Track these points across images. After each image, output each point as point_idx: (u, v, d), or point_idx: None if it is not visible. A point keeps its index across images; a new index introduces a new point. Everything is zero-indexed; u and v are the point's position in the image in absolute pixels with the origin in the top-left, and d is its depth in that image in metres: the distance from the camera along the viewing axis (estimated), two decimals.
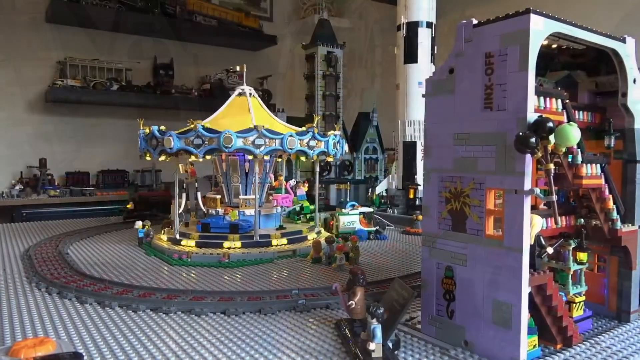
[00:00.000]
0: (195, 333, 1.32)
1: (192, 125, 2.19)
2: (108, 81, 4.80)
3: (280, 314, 1.47)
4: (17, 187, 4.43)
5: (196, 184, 2.52)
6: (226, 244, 2.28)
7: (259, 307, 1.50)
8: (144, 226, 2.57)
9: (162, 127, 2.31)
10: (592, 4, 3.85)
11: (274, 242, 2.36)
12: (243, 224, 2.37)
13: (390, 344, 1.17)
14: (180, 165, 2.46)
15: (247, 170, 2.53)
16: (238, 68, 2.74)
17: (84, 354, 1.16)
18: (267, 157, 2.33)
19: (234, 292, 1.65)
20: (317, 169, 2.69)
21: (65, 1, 4.42)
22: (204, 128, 2.18)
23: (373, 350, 1.10)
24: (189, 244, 2.31)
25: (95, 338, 1.27)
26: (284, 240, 2.40)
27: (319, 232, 2.61)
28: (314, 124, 2.57)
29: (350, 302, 1.27)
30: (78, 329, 1.33)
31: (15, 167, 4.63)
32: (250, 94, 2.60)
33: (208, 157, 2.35)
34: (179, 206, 2.50)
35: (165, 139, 2.21)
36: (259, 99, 2.65)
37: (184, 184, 2.60)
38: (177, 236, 2.37)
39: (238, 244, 2.29)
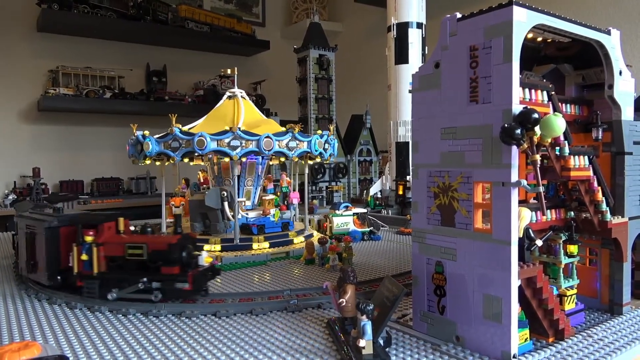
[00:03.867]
0: (186, 335, 1.31)
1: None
2: (101, 89, 4.79)
3: (272, 315, 1.46)
4: (10, 197, 4.42)
5: (225, 192, 2.33)
6: (295, 240, 2.43)
7: (250, 308, 1.49)
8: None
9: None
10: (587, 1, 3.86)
11: (315, 234, 2.62)
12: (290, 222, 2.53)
13: (381, 341, 1.16)
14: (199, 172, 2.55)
15: (239, 174, 2.51)
16: (229, 71, 2.73)
17: (71, 357, 1.15)
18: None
19: (224, 294, 1.63)
20: (306, 171, 2.68)
21: (56, 10, 4.41)
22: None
23: (363, 347, 1.09)
24: (262, 247, 2.31)
25: (83, 342, 1.26)
26: (318, 233, 2.68)
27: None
28: (330, 130, 2.66)
29: (341, 300, 1.26)
30: (66, 333, 1.32)
31: (8, 176, 4.62)
32: (241, 96, 2.59)
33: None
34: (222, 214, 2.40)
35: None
36: (249, 101, 2.64)
37: (224, 193, 2.37)
38: (238, 242, 2.29)
39: (301, 238, 2.46)
